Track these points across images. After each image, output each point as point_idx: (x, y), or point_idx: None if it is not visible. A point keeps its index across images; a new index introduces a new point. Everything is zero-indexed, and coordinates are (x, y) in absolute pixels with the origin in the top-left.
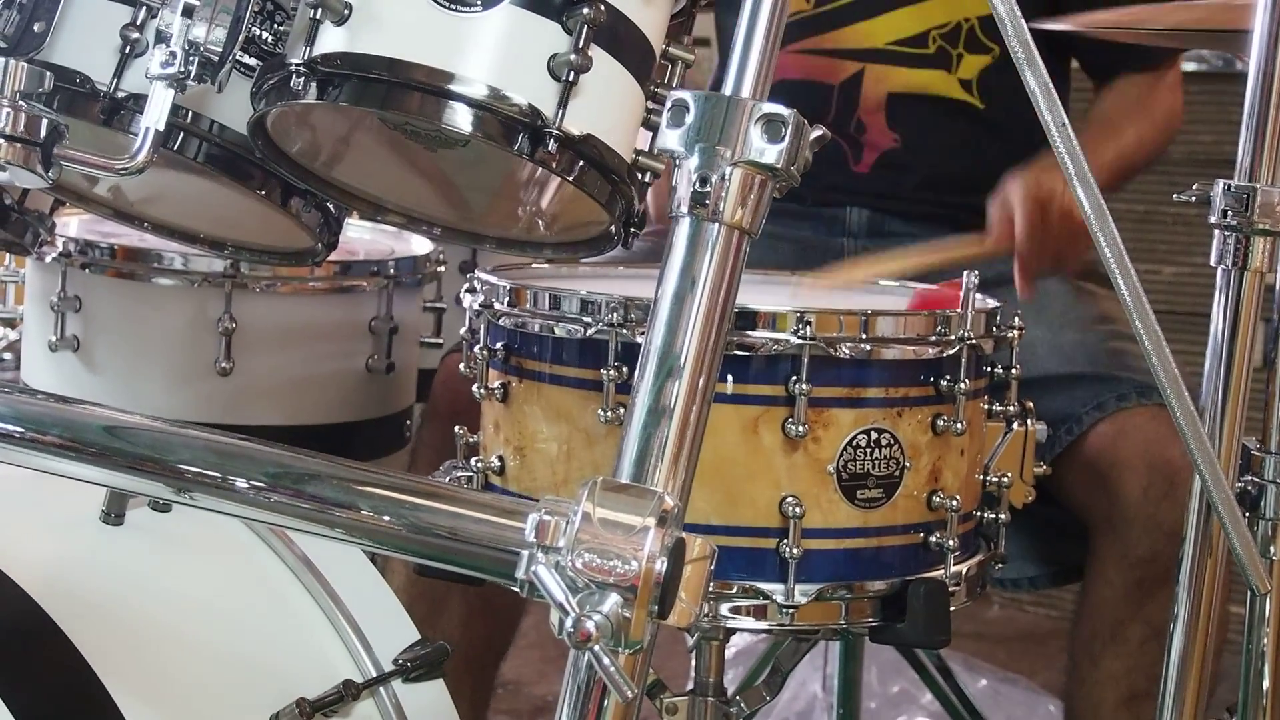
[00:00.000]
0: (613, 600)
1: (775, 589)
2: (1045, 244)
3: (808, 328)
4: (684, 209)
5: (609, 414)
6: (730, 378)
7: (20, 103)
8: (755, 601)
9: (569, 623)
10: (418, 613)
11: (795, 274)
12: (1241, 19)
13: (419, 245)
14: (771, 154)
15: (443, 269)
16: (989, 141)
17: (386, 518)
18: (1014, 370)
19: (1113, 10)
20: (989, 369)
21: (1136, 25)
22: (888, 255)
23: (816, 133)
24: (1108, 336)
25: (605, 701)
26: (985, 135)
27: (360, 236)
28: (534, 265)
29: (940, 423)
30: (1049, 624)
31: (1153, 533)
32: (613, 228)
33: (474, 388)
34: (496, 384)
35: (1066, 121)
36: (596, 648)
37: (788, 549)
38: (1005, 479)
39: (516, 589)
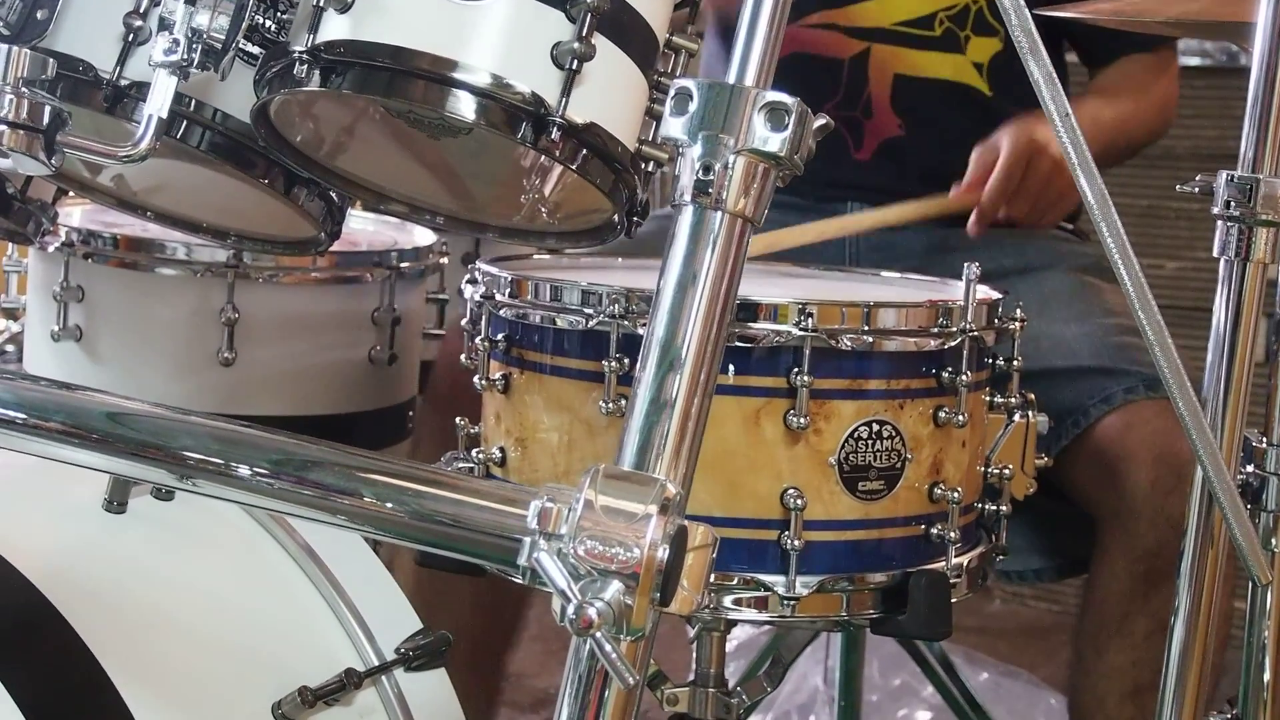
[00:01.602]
0: (615, 587)
1: (776, 580)
2: (1025, 193)
3: (809, 319)
4: (687, 197)
5: (610, 405)
6: (732, 369)
7: (23, 90)
8: (756, 593)
9: (571, 610)
10: (421, 601)
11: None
12: (1243, 10)
13: (422, 236)
14: (775, 142)
15: (445, 260)
16: (992, 131)
17: (389, 505)
18: (1015, 362)
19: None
20: (990, 361)
21: (1138, 15)
22: (857, 217)
23: (820, 121)
24: (1114, 330)
25: (607, 689)
26: (990, 126)
27: (363, 227)
28: (535, 256)
29: (942, 415)
30: (1051, 618)
31: (1160, 525)
32: (616, 216)
33: (475, 379)
34: (498, 375)
35: (1070, 111)
36: (598, 635)
37: (789, 541)
38: (1006, 471)
39: (518, 576)
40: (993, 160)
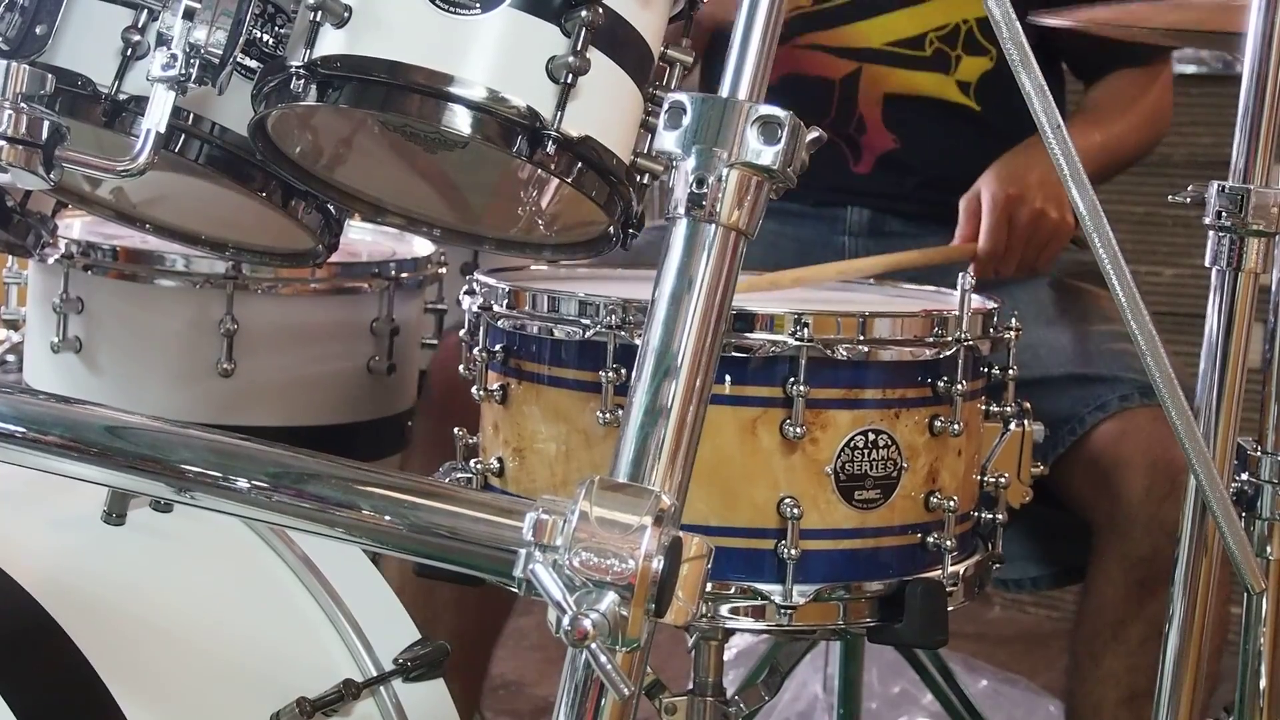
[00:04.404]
0: (610, 599)
1: (773, 590)
2: (1011, 249)
3: (805, 329)
4: (680, 210)
5: (608, 415)
6: (728, 379)
7: (22, 105)
8: (753, 602)
9: (566, 621)
10: (408, 597)
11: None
12: (1236, 20)
13: (420, 246)
14: (768, 155)
15: (444, 270)
16: (987, 144)
17: (387, 517)
18: (1011, 371)
19: (1108, 7)
20: (986, 370)
21: (1131, 23)
22: (857, 261)
23: (813, 134)
24: (1110, 337)
25: (603, 700)
26: (983, 138)
27: (362, 238)
28: (532, 267)
29: (937, 424)
30: (1050, 625)
31: (1155, 532)
32: (611, 228)
33: (473, 390)
34: (495, 386)
35: (1061, 123)
36: (593, 646)
37: (786, 550)
38: (1003, 479)
39: (515, 588)
40: (977, 210)
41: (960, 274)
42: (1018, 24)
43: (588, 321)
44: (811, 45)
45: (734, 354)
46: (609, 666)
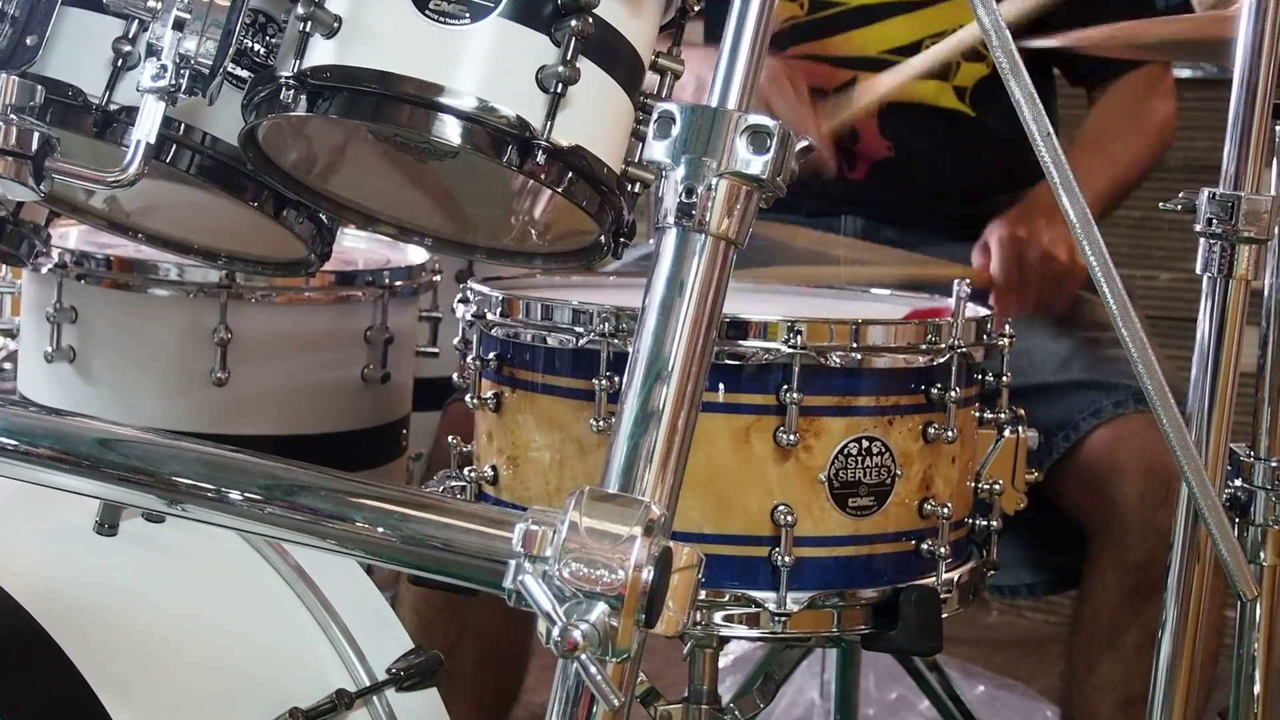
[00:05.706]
0: (600, 609)
1: (767, 597)
2: (1025, 289)
3: (798, 337)
4: (670, 220)
5: (601, 423)
6: (722, 386)
7: (12, 116)
8: (748, 610)
9: (556, 632)
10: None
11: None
12: (1230, 31)
13: (415, 254)
14: (757, 165)
15: (439, 278)
16: (982, 150)
17: (379, 529)
18: (1005, 378)
19: (1101, 26)
20: (980, 377)
21: (1126, 40)
22: (871, 259)
23: (802, 144)
24: (1103, 343)
25: (594, 710)
26: (979, 144)
27: (356, 245)
28: (526, 275)
29: (931, 431)
30: (1047, 629)
31: (1149, 538)
32: (602, 238)
33: (467, 398)
34: (489, 394)
35: (1051, 131)
36: (583, 657)
37: (779, 557)
38: (997, 486)
39: (504, 598)
40: (989, 252)
41: (955, 281)
42: (1007, 33)
43: (581, 330)
44: (806, 55)
45: (727, 361)
46: (599, 677)
